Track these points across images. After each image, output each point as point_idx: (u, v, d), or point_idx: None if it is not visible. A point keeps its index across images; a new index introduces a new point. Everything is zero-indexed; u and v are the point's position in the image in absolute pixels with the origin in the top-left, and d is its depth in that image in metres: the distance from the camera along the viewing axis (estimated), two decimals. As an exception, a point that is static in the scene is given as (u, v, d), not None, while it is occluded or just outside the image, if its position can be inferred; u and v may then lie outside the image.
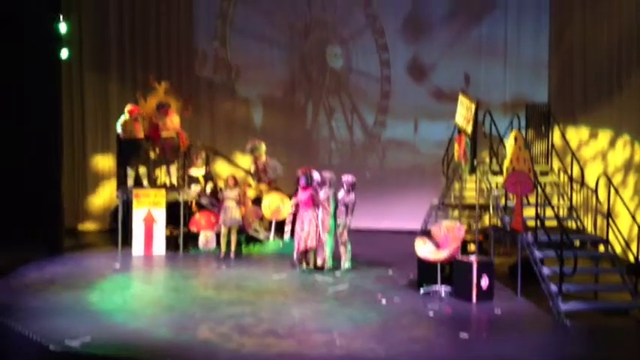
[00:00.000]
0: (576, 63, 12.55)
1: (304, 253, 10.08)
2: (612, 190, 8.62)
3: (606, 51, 11.48)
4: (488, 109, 10.74)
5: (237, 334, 7.09)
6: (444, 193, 12.37)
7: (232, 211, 11.06)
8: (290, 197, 12.26)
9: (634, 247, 8.10)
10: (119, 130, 11.82)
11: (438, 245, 9.05)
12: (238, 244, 11.44)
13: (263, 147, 12.94)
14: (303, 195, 10.16)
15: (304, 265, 10.07)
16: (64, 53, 11.97)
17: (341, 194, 10.09)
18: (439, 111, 14.07)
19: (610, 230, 8.55)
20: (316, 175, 10.19)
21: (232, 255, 11.17)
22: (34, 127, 11.60)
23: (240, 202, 11.16)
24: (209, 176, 12.61)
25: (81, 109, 14.15)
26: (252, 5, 14.83)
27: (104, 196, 14.12)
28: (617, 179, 10.69)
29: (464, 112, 10.50)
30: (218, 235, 11.81)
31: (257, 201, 12.25)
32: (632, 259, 8.34)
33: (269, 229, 12.22)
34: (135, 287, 9.39)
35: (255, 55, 14.81)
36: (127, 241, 11.57)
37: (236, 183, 11.24)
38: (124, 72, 14.29)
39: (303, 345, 6.78)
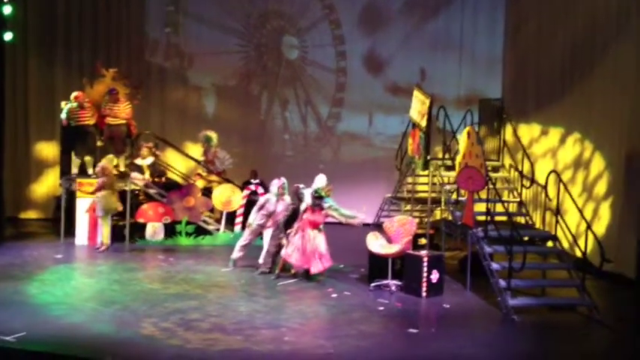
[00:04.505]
0: (530, 61, 12.66)
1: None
2: (561, 187, 8.69)
3: (560, 50, 11.60)
4: (442, 103, 10.73)
5: (182, 329, 6.87)
6: (397, 187, 12.34)
7: (99, 201, 10.56)
8: (242, 189, 12.07)
9: (581, 242, 8.17)
10: (64, 117, 11.43)
11: (389, 240, 8.99)
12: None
13: (215, 137, 12.71)
14: (316, 217, 9.08)
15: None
16: (8, 36, 11.52)
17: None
18: (394, 105, 14.07)
19: (558, 226, 8.63)
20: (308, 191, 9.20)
21: (102, 247, 10.63)
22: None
23: (101, 189, 10.51)
24: (156, 166, 12.30)
25: (24, 94, 13.69)
26: (207, -8, 14.54)
27: (47, 185, 13.73)
28: (566, 176, 10.82)
29: (418, 107, 10.44)
30: (166, 226, 11.55)
31: (207, 192, 12.00)
32: (579, 254, 8.42)
33: (219, 221, 11.99)
34: (76, 279, 9.04)
35: (209, 43, 14.53)
36: (71, 231, 11.22)
37: (99, 171, 10.63)
38: (71, 57, 13.85)
39: (251, 341, 6.60)
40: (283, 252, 9.24)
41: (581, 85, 10.97)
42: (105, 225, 10.71)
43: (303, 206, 9.17)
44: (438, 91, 12.51)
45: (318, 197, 9.04)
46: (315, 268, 9.00)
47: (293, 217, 9.31)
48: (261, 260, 9.55)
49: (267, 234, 9.58)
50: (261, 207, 9.62)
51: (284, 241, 9.35)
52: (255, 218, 9.65)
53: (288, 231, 9.25)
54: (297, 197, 9.34)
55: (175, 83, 14.59)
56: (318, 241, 9.04)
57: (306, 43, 14.86)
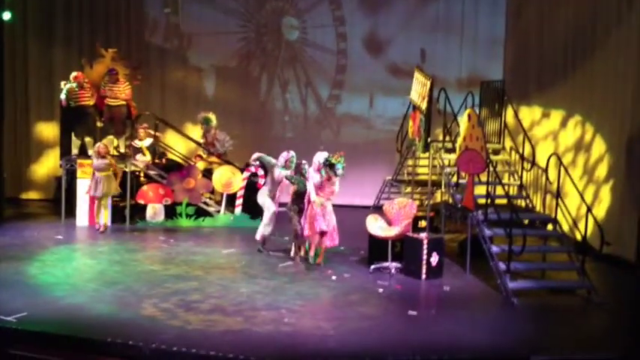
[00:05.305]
0: (532, 43, 12.58)
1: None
2: (562, 170, 8.68)
3: (562, 32, 11.51)
4: (443, 85, 10.66)
5: (182, 310, 6.90)
6: (397, 169, 12.33)
7: (101, 183, 10.52)
8: (242, 171, 12.05)
9: (581, 226, 8.17)
10: (63, 97, 11.39)
11: (389, 222, 8.99)
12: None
13: (214, 119, 12.64)
14: (333, 186, 8.93)
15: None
16: (6, 15, 11.44)
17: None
18: (395, 86, 13.99)
19: (558, 209, 8.62)
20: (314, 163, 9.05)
21: (101, 228, 10.62)
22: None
23: (113, 171, 10.56)
24: (156, 147, 12.28)
25: (24, 75, 13.64)
26: (206, -28, 14.41)
27: (48, 165, 13.71)
28: (567, 159, 10.81)
29: (419, 89, 10.40)
30: (166, 208, 11.56)
31: (207, 173, 11.98)
32: (579, 237, 8.43)
33: (219, 203, 11.99)
34: (77, 260, 9.07)
35: (209, 24, 14.44)
36: (71, 211, 11.22)
37: (106, 152, 10.59)
38: (70, 37, 13.78)
39: (251, 322, 6.62)
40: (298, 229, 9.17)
41: (583, 68, 10.91)
42: (104, 206, 10.71)
43: (309, 182, 9.05)
44: (438, 73, 12.44)
45: (330, 165, 8.75)
46: (329, 241, 8.98)
47: (299, 197, 9.21)
48: (257, 237, 9.57)
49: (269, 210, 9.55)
50: (269, 170, 9.57)
51: (297, 225, 9.24)
52: (266, 191, 9.59)
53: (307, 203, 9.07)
54: (300, 173, 9.33)
55: (175, 64, 14.52)
56: (333, 214, 9.02)
57: (306, 24, 14.75)
